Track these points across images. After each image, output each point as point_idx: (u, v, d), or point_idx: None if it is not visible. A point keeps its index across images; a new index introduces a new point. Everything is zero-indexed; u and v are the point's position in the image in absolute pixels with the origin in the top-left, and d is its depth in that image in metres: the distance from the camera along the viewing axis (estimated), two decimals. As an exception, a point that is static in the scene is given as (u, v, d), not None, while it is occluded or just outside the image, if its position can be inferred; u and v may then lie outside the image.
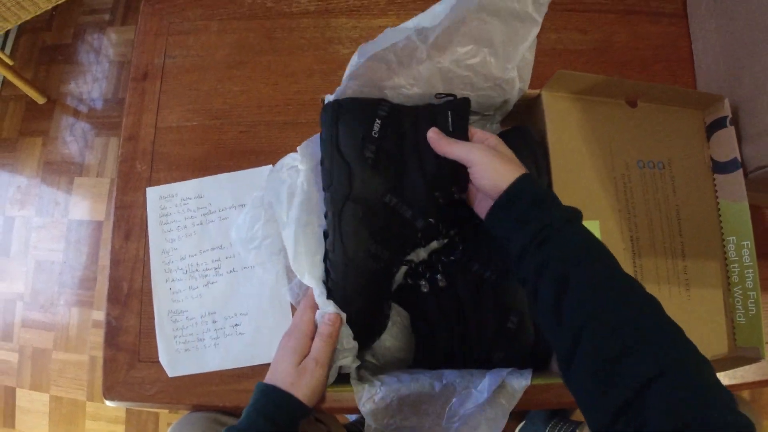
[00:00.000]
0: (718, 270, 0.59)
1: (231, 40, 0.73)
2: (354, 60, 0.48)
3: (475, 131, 0.51)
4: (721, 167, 0.61)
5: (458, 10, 0.45)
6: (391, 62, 0.49)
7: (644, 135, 0.61)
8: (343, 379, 0.50)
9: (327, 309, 0.48)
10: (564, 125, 0.57)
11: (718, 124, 0.62)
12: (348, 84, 0.50)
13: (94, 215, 1.55)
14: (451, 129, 0.50)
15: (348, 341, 0.47)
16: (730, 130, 0.60)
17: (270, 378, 0.49)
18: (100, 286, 1.49)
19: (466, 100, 0.51)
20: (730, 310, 0.57)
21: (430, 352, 0.51)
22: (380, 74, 0.50)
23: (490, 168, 0.44)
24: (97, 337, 1.45)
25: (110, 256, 0.67)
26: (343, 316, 0.48)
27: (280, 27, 0.73)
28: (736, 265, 0.58)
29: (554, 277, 0.39)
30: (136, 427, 1.38)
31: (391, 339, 0.52)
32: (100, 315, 1.47)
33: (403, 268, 0.55)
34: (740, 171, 0.58)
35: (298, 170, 0.52)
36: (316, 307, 0.50)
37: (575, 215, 0.43)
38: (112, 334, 0.64)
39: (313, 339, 0.49)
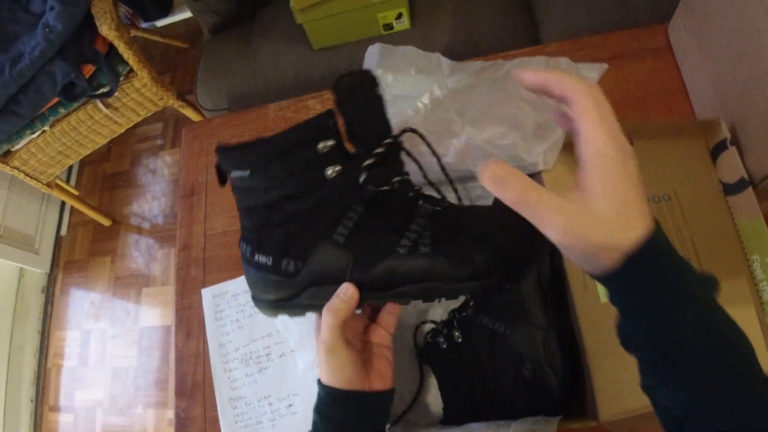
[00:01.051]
0: (747, 290, 0.58)
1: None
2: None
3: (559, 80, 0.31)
4: (731, 188, 0.62)
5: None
6: (429, 132, 0.50)
7: (643, 171, 0.63)
8: None
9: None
10: (558, 174, 0.61)
11: (721, 147, 0.63)
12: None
13: (162, 321, 1.68)
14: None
15: None
16: (732, 151, 0.62)
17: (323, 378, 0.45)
18: (172, 386, 1.57)
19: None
20: (767, 329, 0.57)
21: (456, 405, 0.53)
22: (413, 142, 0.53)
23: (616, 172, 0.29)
24: (173, 436, 1.52)
25: (174, 354, 0.74)
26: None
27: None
28: (764, 282, 0.58)
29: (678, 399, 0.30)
30: None
31: (426, 395, 0.54)
32: (173, 413, 1.54)
33: (426, 328, 0.58)
34: (750, 189, 0.60)
35: None
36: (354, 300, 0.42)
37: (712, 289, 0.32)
38: (182, 425, 0.71)
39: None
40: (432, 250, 0.40)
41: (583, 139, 0.29)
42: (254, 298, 0.45)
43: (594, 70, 0.58)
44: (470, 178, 0.63)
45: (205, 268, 0.78)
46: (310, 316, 0.53)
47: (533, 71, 0.31)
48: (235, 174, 0.41)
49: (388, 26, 1.04)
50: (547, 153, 0.57)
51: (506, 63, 0.52)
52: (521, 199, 0.29)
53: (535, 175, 0.62)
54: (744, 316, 0.57)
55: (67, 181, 1.94)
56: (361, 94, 0.40)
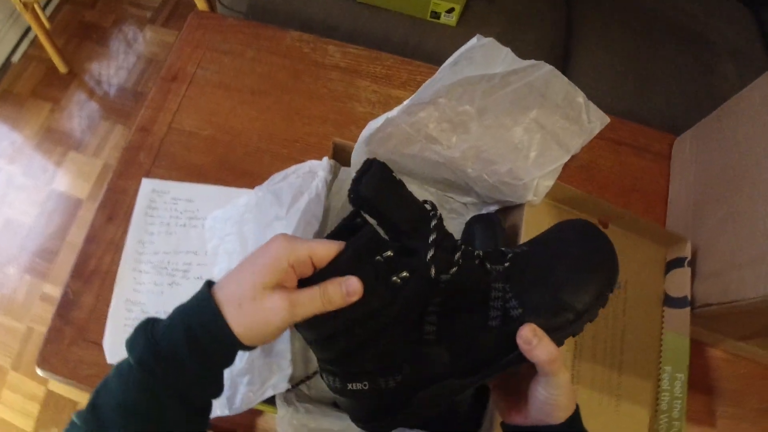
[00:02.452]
0: (650, 394, 0.62)
1: (261, 70, 0.79)
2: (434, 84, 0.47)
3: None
4: (672, 302, 0.66)
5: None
6: (448, 120, 0.50)
7: (609, 254, 0.66)
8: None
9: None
10: (537, 227, 0.62)
11: (678, 263, 0.67)
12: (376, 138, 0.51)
13: (76, 192, 1.56)
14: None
15: (285, 364, 0.46)
16: (686, 271, 0.65)
17: (220, 285, 0.37)
18: (60, 261, 1.47)
19: None
20: (653, 434, 0.60)
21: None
22: (411, 137, 0.51)
23: (568, 393, 0.40)
24: (41, 310, 1.42)
25: (88, 231, 0.68)
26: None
27: (309, 72, 0.80)
28: (667, 393, 0.61)
29: None
30: (51, 411, 1.32)
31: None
32: (50, 289, 1.44)
33: None
34: (688, 309, 0.63)
35: (315, 175, 0.54)
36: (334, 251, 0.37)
37: None
38: (66, 307, 0.65)
39: (302, 270, 0.37)
40: (524, 311, 0.39)
41: (549, 381, 0.39)
42: (357, 421, 0.41)
43: (598, 119, 0.57)
44: (453, 185, 0.62)
45: (155, 159, 0.73)
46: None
47: (538, 346, 0.38)
48: None
49: (435, 15, 1.01)
50: (539, 186, 0.57)
51: (536, 70, 0.51)
52: (550, 359, 0.38)
53: (518, 207, 0.63)
54: (637, 418, 0.60)
55: (44, 9, 1.76)
56: (385, 188, 0.38)
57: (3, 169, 1.58)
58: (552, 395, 0.39)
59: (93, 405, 0.34)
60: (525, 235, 0.59)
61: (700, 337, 0.70)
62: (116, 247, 0.68)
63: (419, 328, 0.38)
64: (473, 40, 0.46)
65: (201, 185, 0.71)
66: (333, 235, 0.39)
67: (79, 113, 1.67)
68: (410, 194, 0.39)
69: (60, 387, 1.33)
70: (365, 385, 0.38)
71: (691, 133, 0.78)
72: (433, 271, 0.37)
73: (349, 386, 0.38)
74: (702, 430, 0.67)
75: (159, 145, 0.73)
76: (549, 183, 0.57)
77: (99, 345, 0.63)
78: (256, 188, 0.62)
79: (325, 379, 0.40)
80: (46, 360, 0.62)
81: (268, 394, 0.45)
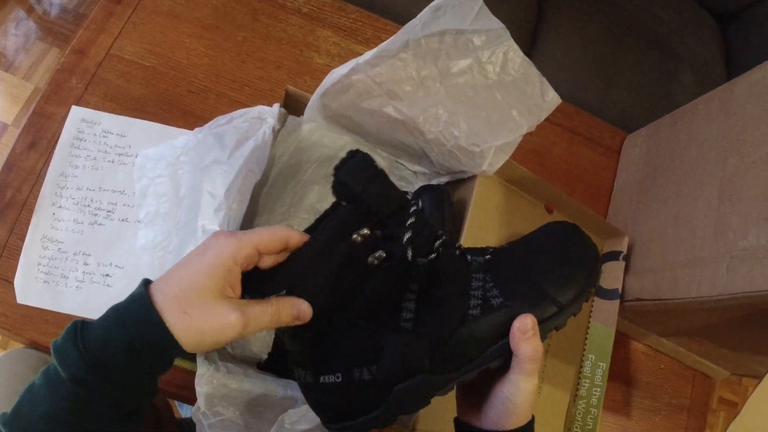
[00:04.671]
0: (571, 380, 0.63)
1: (216, 3, 0.73)
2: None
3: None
4: (602, 293, 0.67)
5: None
6: (410, 78, 0.48)
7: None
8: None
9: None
10: (486, 204, 0.61)
11: (613, 256, 0.68)
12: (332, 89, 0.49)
13: (1, 115, 1.43)
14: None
15: None
16: (621, 264, 0.66)
17: (158, 287, 0.33)
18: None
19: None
20: (570, 420, 0.62)
21: (282, 361, 0.51)
22: (371, 90, 0.50)
23: (529, 401, 0.39)
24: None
25: (7, 157, 0.62)
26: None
27: (268, 13, 0.74)
28: (587, 380, 0.63)
29: None
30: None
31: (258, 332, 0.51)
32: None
33: None
34: (617, 301, 0.65)
35: (263, 121, 0.51)
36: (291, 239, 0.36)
37: None
38: (-26, 239, 0.58)
39: (250, 263, 0.35)
40: (505, 299, 0.38)
41: (519, 381, 0.38)
42: (329, 423, 0.39)
43: (552, 99, 0.56)
44: (407, 150, 0.60)
45: (89, 86, 0.66)
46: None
47: (529, 339, 0.37)
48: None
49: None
50: (494, 158, 0.56)
51: (498, 38, 0.49)
52: (534, 357, 0.37)
53: (468, 181, 0.62)
54: (557, 401, 0.62)
55: None
56: (366, 176, 0.36)
57: None
58: (514, 397, 0.38)
59: (17, 410, 0.32)
60: (473, 211, 0.59)
61: (625, 330, 0.72)
62: (36, 178, 0.62)
63: (396, 314, 0.37)
64: None
65: (136, 120, 0.65)
66: (313, 227, 0.37)
67: (13, 32, 1.51)
68: (392, 184, 0.38)
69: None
70: (338, 378, 0.36)
71: (643, 131, 0.79)
72: (410, 253, 0.36)
73: (322, 379, 0.36)
74: (617, 419, 0.70)
75: (95, 71, 0.67)
76: (504, 156, 0.56)
77: (8, 283, 0.57)
78: (196, 130, 0.57)
79: (297, 374, 0.38)
80: (-55, 292, 0.56)
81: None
